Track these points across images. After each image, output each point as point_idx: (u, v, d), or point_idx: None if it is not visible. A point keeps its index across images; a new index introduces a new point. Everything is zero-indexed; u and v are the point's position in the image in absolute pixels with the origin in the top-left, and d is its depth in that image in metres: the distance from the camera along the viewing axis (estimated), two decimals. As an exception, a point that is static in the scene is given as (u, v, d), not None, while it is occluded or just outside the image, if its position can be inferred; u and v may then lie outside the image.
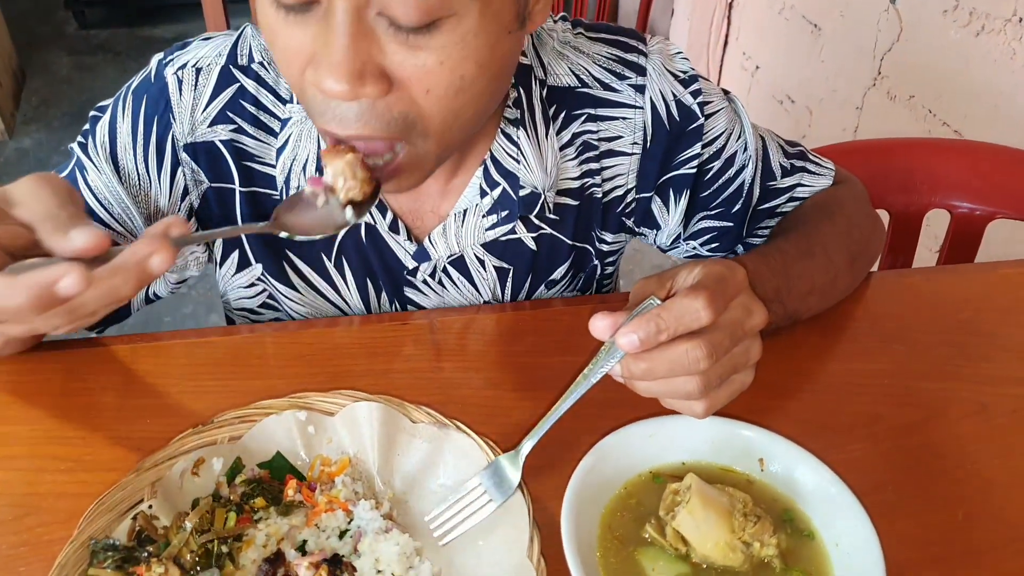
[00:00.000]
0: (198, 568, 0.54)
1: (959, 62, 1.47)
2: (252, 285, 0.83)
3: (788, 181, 0.85)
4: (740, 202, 0.83)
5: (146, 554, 0.54)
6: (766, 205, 0.85)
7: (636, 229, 0.86)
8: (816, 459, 0.59)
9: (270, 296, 0.84)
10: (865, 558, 0.53)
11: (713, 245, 0.87)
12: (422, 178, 0.64)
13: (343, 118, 0.56)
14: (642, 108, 0.77)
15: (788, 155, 0.85)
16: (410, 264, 0.79)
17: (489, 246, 0.80)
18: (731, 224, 0.85)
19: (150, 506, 0.58)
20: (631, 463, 0.61)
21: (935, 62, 1.53)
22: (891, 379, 0.76)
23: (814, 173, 0.85)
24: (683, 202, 0.82)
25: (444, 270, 0.81)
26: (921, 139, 1.06)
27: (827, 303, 0.79)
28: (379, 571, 0.55)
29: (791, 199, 0.85)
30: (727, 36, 2.40)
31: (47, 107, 3.41)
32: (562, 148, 0.77)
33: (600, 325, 0.54)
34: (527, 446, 0.59)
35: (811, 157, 0.86)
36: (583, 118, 0.77)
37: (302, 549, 0.57)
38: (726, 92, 0.82)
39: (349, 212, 0.59)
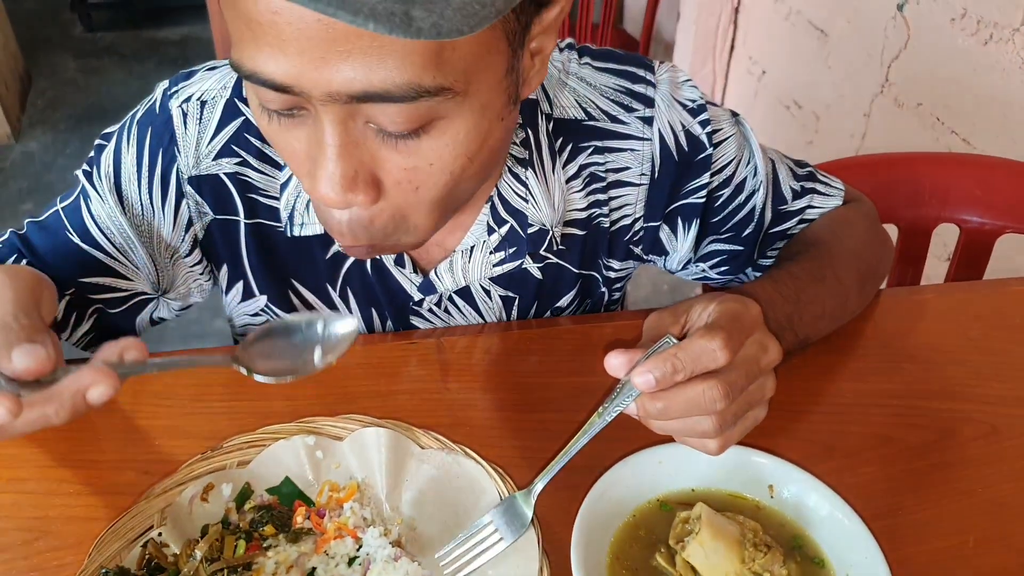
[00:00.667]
0: (208, 596, 0.54)
1: (967, 70, 1.46)
2: (257, 314, 0.83)
3: (799, 204, 0.84)
4: (751, 226, 0.83)
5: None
6: (777, 228, 0.84)
7: (644, 256, 0.86)
8: (825, 486, 0.59)
9: None
10: (876, 589, 0.53)
11: (723, 268, 0.87)
12: (417, 246, 0.63)
13: (337, 226, 0.58)
14: (650, 140, 0.77)
15: (798, 177, 0.85)
16: (416, 296, 0.79)
17: (495, 278, 0.80)
18: (742, 248, 0.84)
19: (160, 533, 0.58)
20: (640, 490, 0.61)
21: (943, 70, 1.53)
22: (901, 399, 0.75)
23: (824, 194, 0.85)
24: (693, 230, 0.82)
25: (450, 299, 0.81)
26: (929, 153, 1.06)
27: (837, 325, 0.79)
28: (389, 599, 0.55)
29: (801, 221, 0.85)
30: (733, 41, 2.39)
31: (53, 110, 3.42)
32: (569, 180, 0.77)
33: (615, 363, 0.54)
34: (539, 486, 0.59)
35: (820, 178, 0.86)
36: (590, 150, 0.76)
37: (311, 578, 0.57)
38: (735, 115, 0.82)
39: (318, 355, 0.56)
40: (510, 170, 0.73)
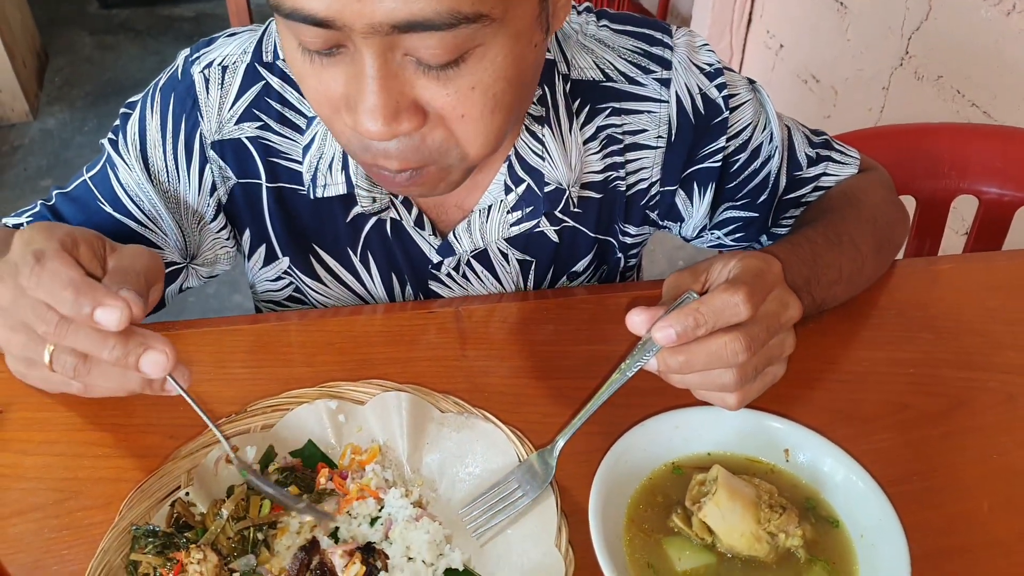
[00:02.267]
0: (235, 554, 0.56)
1: (989, 42, 1.44)
2: (279, 278, 0.84)
3: (814, 171, 0.84)
4: (766, 192, 0.83)
5: (184, 540, 0.56)
6: (792, 195, 0.85)
7: (660, 222, 0.86)
8: (841, 450, 0.60)
9: (296, 289, 0.85)
10: (890, 550, 0.54)
11: (738, 235, 0.87)
12: (452, 187, 0.64)
13: (384, 153, 0.58)
14: (667, 102, 0.77)
15: (813, 144, 0.85)
16: (435, 258, 0.80)
17: (512, 239, 0.80)
18: (757, 214, 0.84)
19: (187, 493, 0.60)
20: (657, 454, 0.61)
21: (964, 42, 1.51)
22: (917, 368, 0.76)
23: (839, 162, 0.85)
24: (708, 195, 0.82)
25: (468, 263, 0.82)
26: (948, 124, 1.05)
27: (853, 291, 0.79)
28: (410, 559, 0.56)
29: (816, 188, 0.85)
30: (751, 14, 2.36)
31: (70, 87, 3.43)
32: (586, 142, 0.77)
33: (637, 320, 0.55)
34: (561, 442, 0.60)
35: (836, 146, 0.86)
36: (607, 112, 0.77)
37: (334, 536, 0.58)
38: (751, 82, 0.82)
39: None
40: (527, 128, 0.74)
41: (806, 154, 0.84)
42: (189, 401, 0.55)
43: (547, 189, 0.75)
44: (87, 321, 0.48)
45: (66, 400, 0.73)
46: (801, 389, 0.73)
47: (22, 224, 0.78)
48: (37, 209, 0.77)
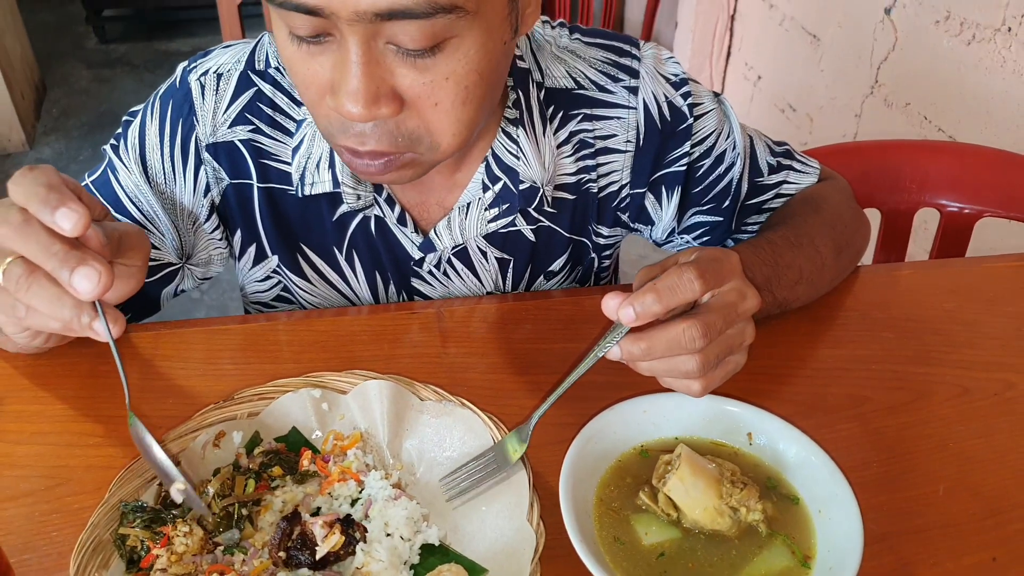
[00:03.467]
0: (220, 529, 0.58)
1: (952, 70, 1.51)
2: (268, 278, 0.87)
3: (775, 178, 0.89)
4: (729, 198, 0.87)
5: (171, 516, 0.58)
6: (753, 200, 0.89)
7: (631, 224, 0.90)
8: (800, 432, 0.63)
9: (284, 288, 0.88)
10: (845, 522, 0.56)
11: (705, 239, 0.91)
12: (420, 174, 0.68)
13: (360, 135, 0.62)
14: (635, 108, 0.82)
15: (775, 153, 0.89)
16: (416, 255, 0.84)
17: (490, 237, 0.84)
18: (721, 219, 0.89)
19: (175, 473, 0.62)
20: (626, 437, 0.64)
21: (929, 70, 1.57)
22: (879, 364, 0.79)
23: (800, 171, 0.90)
24: (675, 198, 0.86)
25: (448, 261, 0.85)
26: (910, 140, 1.10)
27: (815, 292, 0.82)
28: (388, 534, 0.59)
29: (778, 195, 0.89)
30: (730, 47, 2.44)
31: (66, 118, 3.49)
32: (559, 145, 0.82)
33: (611, 304, 0.58)
34: (534, 420, 0.63)
35: (797, 156, 0.91)
36: (579, 118, 0.81)
37: (316, 514, 0.60)
38: (716, 95, 0.87)
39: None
40: (503, 130, 0.78)
41: (767, 162, 0.88)
42: (112, 347, 0.56)
43: (522, 187, 0.79)
44: (46, 222, 0.50)
45: (58, 394, 0.75)
46: (768, 384, 0.76)
47: None
48: None
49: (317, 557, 0.55)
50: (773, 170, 0.89)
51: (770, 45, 2.21)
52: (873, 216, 1.13)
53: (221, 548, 0.58)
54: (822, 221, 0.83)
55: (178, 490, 0.57)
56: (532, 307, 0.85)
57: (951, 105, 1.51)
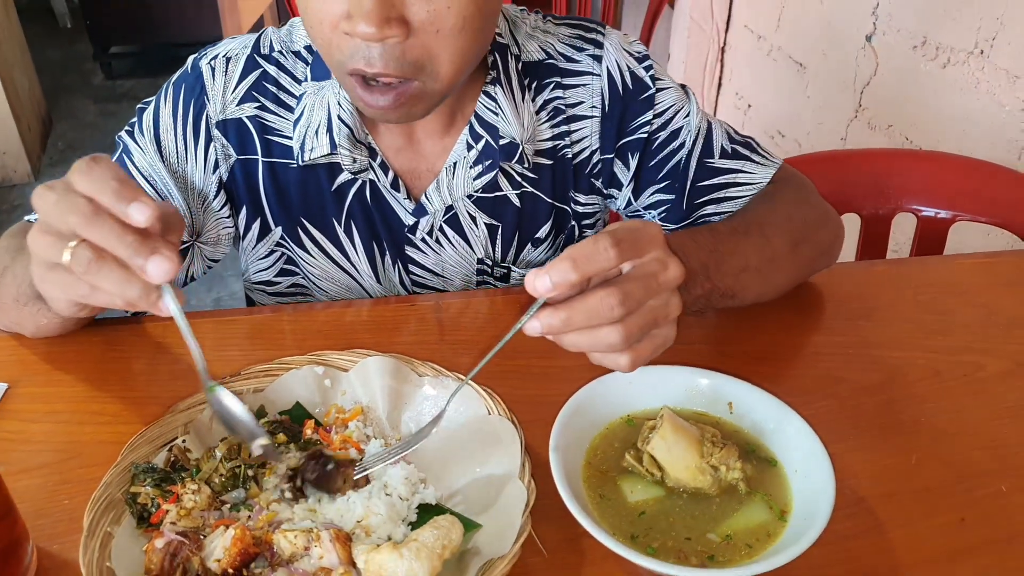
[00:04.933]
0: (227, 489, 0.61)
1: (930, 92, 1.57)
2: (271, 253, 0.93)
3: (727, 163, 0.91)
4: (679, 175, 0.91)
5: (181, 476, 0.61)
6: (703, 183, 0.91)
7: (604, 191, 0.95)
8: (778, 400, 0.66)
9: (288, 261, 0.93)
10: (819, 478, 0.60)
11: (663, 218, 0.94)
12: (425, 111, 0.75)
13: (370, 58, 0.69)
14: (600, 75, 0.89)
15: (733, 141, 0.92)
16: (409, 221, 0.90)
17: (479, 202, 0.90)
18: (673, 196, 0.92)
19: (183, 440, 0.66)
20: (613, 406, 0.68)
21: (909, 93, 1.63)
22: (855, 349, 0.83)
23: (757, 163, 0.91)
24: (634, 165, 0.91)
25: (440, 229, 0.91)
26: (887, 149, 1.15)
27: (769, 283, 0.82)
28: (387, 494, 0.62)
29: (732, 184, 0.91)
30: (720, 78, 2.52)
31: (72, 150, 3.56)
32: (537, 112, 0.89)
33: (530, 278, 0.56)
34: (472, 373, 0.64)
35: (759, 150, 0.93)
36: (551, 86, 0.89)
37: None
38: (683, 86, 0.92)
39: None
40: (484, 92, 0.85)
41: (722, 145, 0.91)
42: (179, 320, 0.58)
43: (502, 142, 0.86)
44: (118, 214, 0.54)
45: (70, 377, 0.79)
46: (749, 366, 0.80)
47: None
48: None
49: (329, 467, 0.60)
50: (727, 155, 0.91)
51: (759, 75, 2.29)
52: (853, 221, 1.17)
53: (228, 506, 0.61)
54: (775, 213, 0.85)
55: (260, 445, 0.58)
56: (522, 301, 0.90)
57: (931, 125, 1.57)
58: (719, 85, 2.53)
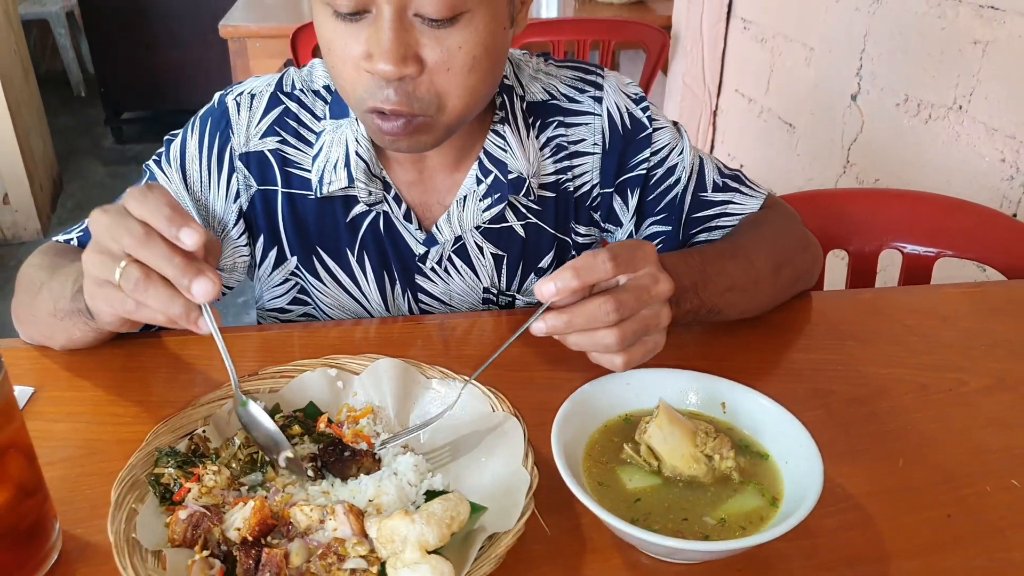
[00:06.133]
0: (245, 472, 0.64)
1: (914, 146, 1.65)
2: (286, 281, 0.97)
3: (719, 196, 0.98)
4: (675, 209, 0.97)
5: (203, 460, 0.64)
6: (697, 214, 0.98)
7: (602, 224, 1.00)
8: (768, 398, 0.70)
9: (301, 290, 0.97)
10: (808, 466, 0.63)
11: (659, 248, 0.99)
12: (432, 142, 0.81)
13: (386, 96, 0.75)
14: (600, 115, 0.95)
15: (723, 175, 0.99)
16: (420, 250, 0.94)
17: (486, 233, 0.95)
18: (670, 228, 0.98)
19: (204, 430, 0.69)
20: (611, 405, 0.71)
21: (894, 148, 1.71)
22: (844, 366, 0.87)
23: (746, 195, 0.99)
24: (633, 201, 0.97)
25: (449, 259, 0.95)
26: (872, 189, 1.21)
27: (752, 303, 0.89)
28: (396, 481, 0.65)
29: (724, 214, 0.98)
30: (713, 139, 2.62)
31: (80, 210, 3.64)
32: (541, 148, 0.95)
33: (536, 285, 0.66)
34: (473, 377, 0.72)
35: (746, 182, 1.00)
36: (554, 124, 0.95)
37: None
38: (675, 123, 0.99)
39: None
40: (492, 130, 0.91)
41: (714, 180, 0.98)
42: (216, 337, 0.64)
43: (510, 177, 0.91)
44: (170, 237, 0.59)
45: (92, 383, 0.82)
46: (740, 379, 0.83)
47: (72, 240, 0.90)
48: (85, 225, 0.89)
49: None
50: (718, 188, 0.98)
51: (750, 135, 2.38)
52: (840, 256, 1.23)
53: (246, 488, 0.64)
54: (760, 238, 0.91)
55: (286, 457, 0.64)
56: (522, 320, 0.93)
57: (915, 178, 1.64)
58: (712, 146, 2.63)
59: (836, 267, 1.25)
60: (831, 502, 0.68)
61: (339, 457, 0.64)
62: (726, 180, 0.99)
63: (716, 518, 0.62)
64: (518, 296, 1.00)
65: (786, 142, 2.16)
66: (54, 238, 0.93)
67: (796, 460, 0.65)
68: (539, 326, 0.67)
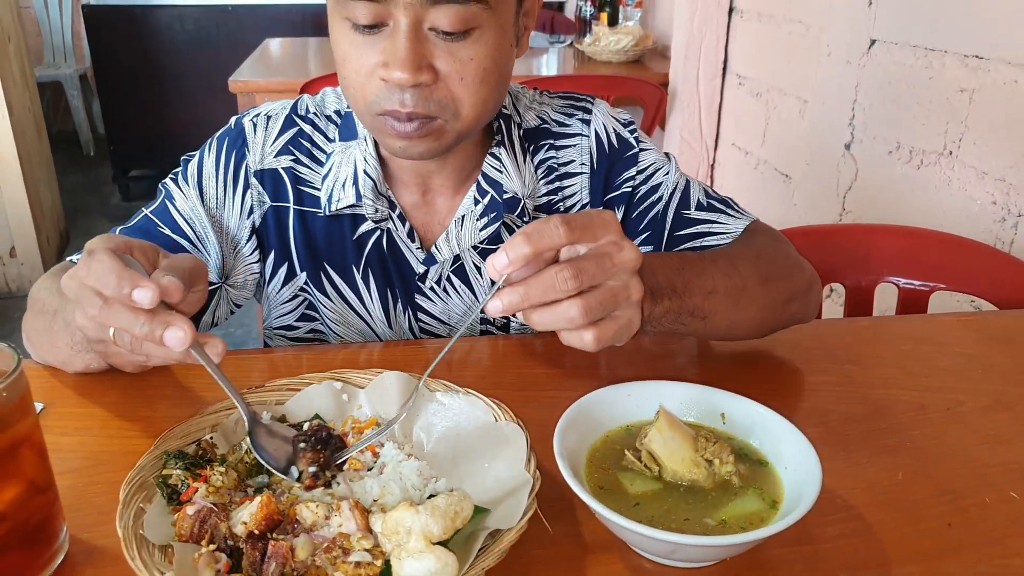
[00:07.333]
0: (251, 474, 0.65)
1: (907, 191, 1.69)
2: (294, 297, 1.00)
3: (703, 215, 0.98)
4: (657, 225, 0.99)
5: (210, 463, 0.65)
6: (680, 232, 0.99)
7: None
8: (766, 407, 0.71)
9: (308, 306, 1.00)
10: (806, 469, 0.64)
11: None
12: (443, 148, 0.84)
13: (403, 101, 0.79)
14: (588, 136, 1.00)
15: (710, 198, 1.00)
16: (420, 269, 0.97)
17: (483, 253, 0.97)
18: (652, 247, 1.00)
19: (211, 437, 0.70)
20: (612, 415, 0.72)
21: (888, 194, 1.75)
22: (843, 387, 0.88)
23: (732, 216, 0.99)
24: (619, 215, 0.99)
25: (448, 279, 0.98)
26: (867, 224, 1.24)
27: (742, 314, 0.85)
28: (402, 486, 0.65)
29: (707, 233, 0.98)
30: (711, 192, 2.68)
31: (87, 263, 3.68)
32: (535, 170, 0.98)
33: (491, 261, 0.63)
34: (426, 374, 0.70)
35: (733, 206, 1.01)
36: (546, 148, 0.99)
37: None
38: (667, 154, 1.03)
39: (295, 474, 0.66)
40: (490, 153, 0.95)
41: (699, 200, 0.99)
42: (209, 369, 0.65)
43: (506, 197, 0.95)
44: (126, 301, 0.60)
45: (101, 399, 0.84)
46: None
47: None
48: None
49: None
50: (702, 208, 0.99)
51: (748, 187, 2.43)
52: (837, 289, 1.24)
53: (252, 489, 0.64)
54: (744, 250, 0.92)
55: (292, 476, 0.65)
56: (525, 341, 0.95)
57: (910, 222, 1.67)
58: (711, 200, 2.68)
59: (834, 300, 1.27)
60: (832, 511, 0.69)
61: (319, 438, 0.65)
62: (712, 202, 1.00)
63: (717, 519, 0.62)
64: (513, 318, 1.02)
65: (783, 192, 2.21)
66: (68, 258, 0.95)
67: (795, 465, 0.66)
68: (495, 304, 0.62)
